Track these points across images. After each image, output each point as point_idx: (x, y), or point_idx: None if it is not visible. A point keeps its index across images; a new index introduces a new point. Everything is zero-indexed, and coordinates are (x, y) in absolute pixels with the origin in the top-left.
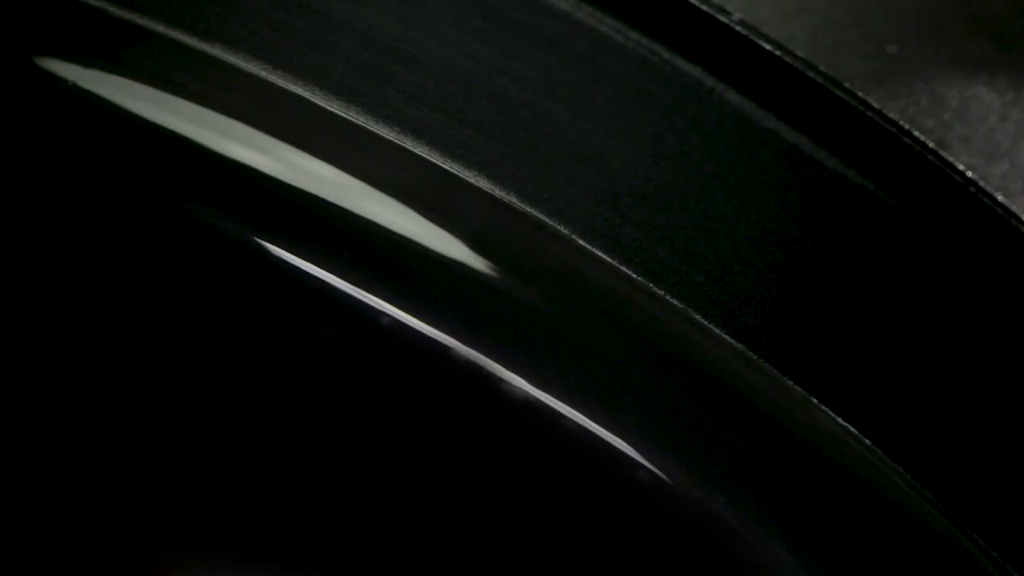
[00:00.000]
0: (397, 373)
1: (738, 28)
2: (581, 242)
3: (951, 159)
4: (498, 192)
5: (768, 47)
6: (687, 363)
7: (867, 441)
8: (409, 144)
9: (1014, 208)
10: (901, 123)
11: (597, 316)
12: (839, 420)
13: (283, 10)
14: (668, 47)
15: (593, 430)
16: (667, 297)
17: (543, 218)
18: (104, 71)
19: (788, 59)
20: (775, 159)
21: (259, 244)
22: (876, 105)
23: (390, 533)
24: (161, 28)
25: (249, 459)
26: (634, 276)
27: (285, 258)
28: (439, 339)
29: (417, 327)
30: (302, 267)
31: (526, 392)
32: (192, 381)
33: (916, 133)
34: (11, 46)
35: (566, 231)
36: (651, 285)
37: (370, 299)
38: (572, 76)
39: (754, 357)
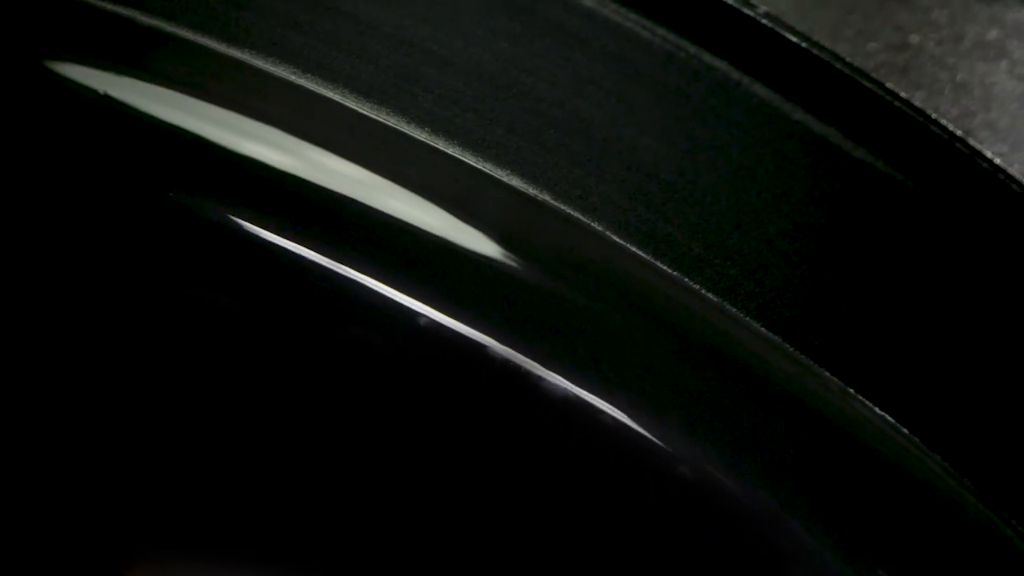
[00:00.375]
0: (436, 373)
1: (764, 21)
2: (616, 238)
3: (978, 147)
4: (531, 190)
5: (794, 39)
6: (725, 357)
7: (904, 430)
8: (441, 145)
9: None
10: (928, 112)
11: (635, 312)
12: (876, 409)
13: (311, 14)
14: (694, 42)
15: (632, 426)
16: (703, 291)
17: (577, 215)
18: (135, 79)
19: (815, 51)
20: (803, 151)
21: (297, 249)
22: (903, 95)
23: (439, 527)
24: (189, 35)
25: (301, 458)
26: (669, 271)
27: (320, 262)
28: (477, 339)
29: (455, 327)
30: (338, 270)
31: (565, 389)
32: (238, 384)
33: (943, 122)
34: (42, 56)
35: (600, 227)
36: (686, 279)
37: (407, 301)
38: (600, 73)
39: (791, 349)
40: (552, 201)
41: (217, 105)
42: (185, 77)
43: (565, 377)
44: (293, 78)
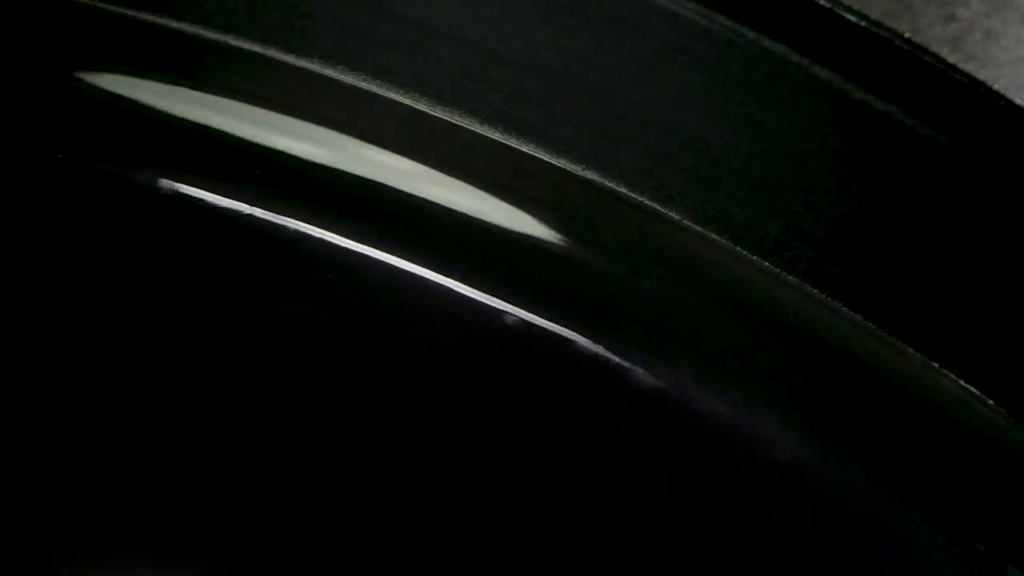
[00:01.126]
0: (530, 372)
1: (822, 2)
2: (696, 227)
3: None
4: (608, 184)
5: (852, 19)
6: (811, 339)
7: (990, 401)
8: (515, 143)
9: None
10: (991, 86)
11: (722, 300)
12: (961, 382)
13: (375, 20)
14: (752, 27)
15: (725, 412)
16: (784, 274)
17: (655, 206)
18: (207, 95)
19: (874, 29)
20: (868, 130)
21: (383, 257)
22: (964, 68)
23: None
24: (257, 48)
25: (391, 458)
26: (751, 256)
27: (410, 269)
28: (566, 335)
29: (544, 325)
30: (427, 276)
31: (654, 381)
32: (328, 388)
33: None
34: (108, 75)
35: (679, 217)
36: (767, 264)
37: (497, 302)
38: (662, 63)
39: (873, 327)
40: (630, 193)
41: (296, 118)
42: (258, 92)
43: (653, 370)
44: (363, 85)
